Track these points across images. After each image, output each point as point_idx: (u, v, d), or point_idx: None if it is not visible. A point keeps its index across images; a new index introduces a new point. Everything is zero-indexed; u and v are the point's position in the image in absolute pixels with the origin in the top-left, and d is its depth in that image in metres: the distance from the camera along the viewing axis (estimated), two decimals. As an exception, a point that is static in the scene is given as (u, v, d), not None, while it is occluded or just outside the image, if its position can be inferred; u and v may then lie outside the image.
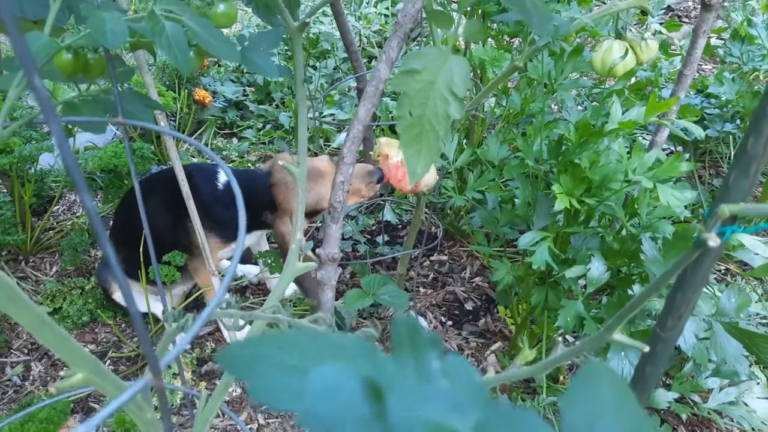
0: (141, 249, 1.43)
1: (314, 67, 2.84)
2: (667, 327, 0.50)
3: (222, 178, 1.55)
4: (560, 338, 1.48)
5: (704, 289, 1.08)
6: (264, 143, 2.43)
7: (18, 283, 1.71)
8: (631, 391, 0.27)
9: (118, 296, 1.56)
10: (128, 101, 0.75)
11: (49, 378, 1.47)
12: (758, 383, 1.20)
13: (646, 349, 0.51)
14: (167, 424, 0.40)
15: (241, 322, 0.65)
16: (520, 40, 1.62)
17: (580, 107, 1.92)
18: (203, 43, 0.65)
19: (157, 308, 1.59)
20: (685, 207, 1.10)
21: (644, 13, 2.07)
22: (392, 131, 2.20)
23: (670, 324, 0.50)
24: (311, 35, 2.81)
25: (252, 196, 1.50)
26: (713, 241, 0.43)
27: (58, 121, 0.27)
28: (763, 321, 1.47)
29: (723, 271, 1.84)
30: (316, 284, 1.06)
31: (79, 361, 0.59)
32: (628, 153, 1.10)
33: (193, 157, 2.34)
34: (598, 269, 1.01)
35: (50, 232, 1.91)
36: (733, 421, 1.25)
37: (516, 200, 1.19)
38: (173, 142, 1.19)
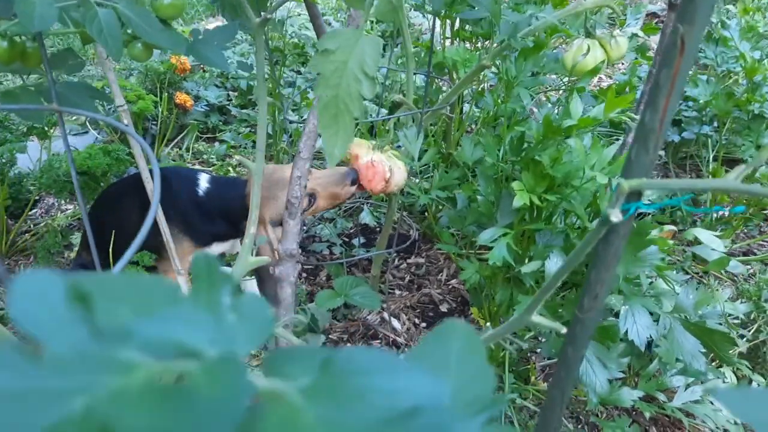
0: (110, 249, 1.43)
1: (299, 72, 2.85)
2: (584, 308, 0.50)
3: (202, 183, 1.54)
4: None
5: (666, 286, 1.08)
6: (244, 147, 2.43)
7: (-9, 285, 1.70)
8: (481, 344, 0.27)
9: (89, 297, 1.55)
10: (72, 91, 0.75)
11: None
12: (724, 382, 1.20)
13: (564, 330, 0.51)
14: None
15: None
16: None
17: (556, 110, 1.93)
18: (139, 32, 0.65)
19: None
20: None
21: (623, 18, 2.07)
22: (368, 132, 2.20)
23: (587, 305, 0.50)
24: (295, 40, 2.82)
25: (230, 205, 1.49)
26: (615, 216, 0.43)
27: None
28: (736, 321, 1.46)
29: (700, 274, 1.84)
30: (274, 281, 1.06)
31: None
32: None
33: (173, 160, 2.34)
34: (556, 265, 1.01)
35: (26, 234, 1.91)
36: (703, 422, 1.25)
37: (479, 198, 1.19)
38: (134, 136, 1.19)
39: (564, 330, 0.50)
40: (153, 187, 1.22)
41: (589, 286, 0.49)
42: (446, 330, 0.28)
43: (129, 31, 0.77)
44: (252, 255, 0.91)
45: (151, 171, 1.20)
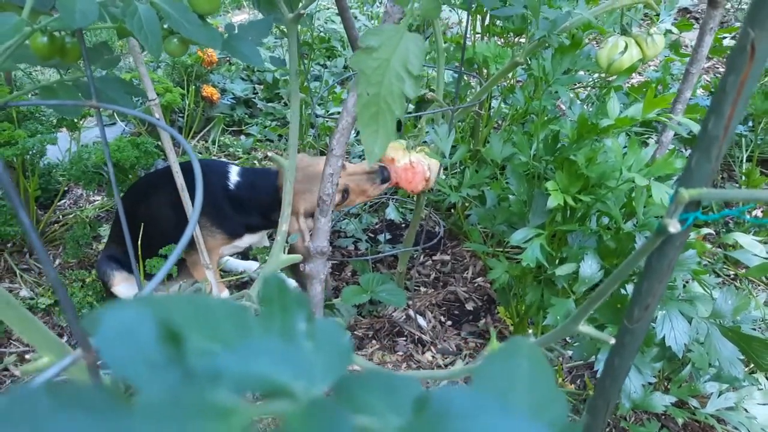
0: (140, 242, 1.44)
1: (324, 66, 2.84)
2: (633, 318, 0.49)
3: (233, 177, 1.54)
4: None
5: (700, 290, 1.05)
6: (270, 140, 2.43)
7: (21, 275, 1.72)
8: (549, 365, 0.26)
9: (117, 290, 1.56)
10: (109, 87, 0.75)
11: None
12: (759, 389, 1.17)
13: (612, 341, 0.49)
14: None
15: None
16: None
17: (589, 107, 1.89)
18: (176, 26, 0.65)
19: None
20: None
21: (658, 14, 2.04)
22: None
23: (637, 315, 0.48)
24: (322, 34, 2.81)
25: (263, 196, 1.49)
26: (673, 227, 0.41)
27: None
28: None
29: (732, 276, 1.80)
30: (305, 277, 1.05)
31: (44, 344, 0.59)
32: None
33: (200, 153, 2.35)
34: (590, 267, 0.99)
35: (55, 225, 1.93)
36: (735, 429, 1.22)
37: (511, 197, 1.18)
38: (175, 135, 1.19)
39: (612, 341, 0.49)
40: (183, 182, 1.22)
41: (640, 296, 0.47)
42: (512, 349, 0.27)
43: (165, 26, 0.76)
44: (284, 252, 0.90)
45: (181, 164, 1.20)
